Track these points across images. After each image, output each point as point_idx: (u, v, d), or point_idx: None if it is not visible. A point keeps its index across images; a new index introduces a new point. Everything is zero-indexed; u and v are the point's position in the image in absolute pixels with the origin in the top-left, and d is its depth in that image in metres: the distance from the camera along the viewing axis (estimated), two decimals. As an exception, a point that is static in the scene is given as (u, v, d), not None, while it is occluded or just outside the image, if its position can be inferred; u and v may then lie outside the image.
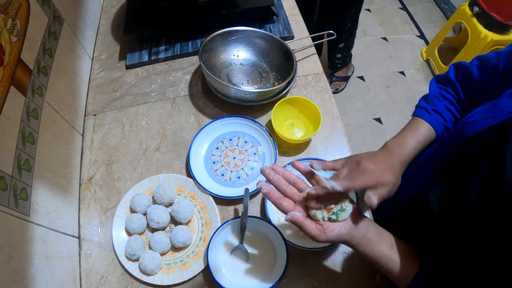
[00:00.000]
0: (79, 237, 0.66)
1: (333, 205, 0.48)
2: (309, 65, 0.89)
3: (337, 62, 1.90)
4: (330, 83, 1.98)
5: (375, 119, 1.95)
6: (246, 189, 0.66)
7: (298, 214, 0.47)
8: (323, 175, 0.52)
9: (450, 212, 0.43)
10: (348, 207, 0.49)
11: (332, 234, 0.47)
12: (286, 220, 0.47)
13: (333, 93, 1.82)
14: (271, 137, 0.74)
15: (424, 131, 0.58)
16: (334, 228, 0.47)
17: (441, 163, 0.50)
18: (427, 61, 2.19)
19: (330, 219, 0.48)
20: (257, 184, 0.50)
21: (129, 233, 0.65)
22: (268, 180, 0.51)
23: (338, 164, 0.53)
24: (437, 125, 0.59)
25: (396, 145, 0.56)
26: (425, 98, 0.64)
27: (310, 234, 0.47)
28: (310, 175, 0.53)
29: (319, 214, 0.48)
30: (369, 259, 0.49)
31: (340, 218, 0.48)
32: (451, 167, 0.47)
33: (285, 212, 0.48)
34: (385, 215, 0.64)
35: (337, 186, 0.46)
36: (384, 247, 0.48)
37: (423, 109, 0.61)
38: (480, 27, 1.75)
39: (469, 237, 0.41)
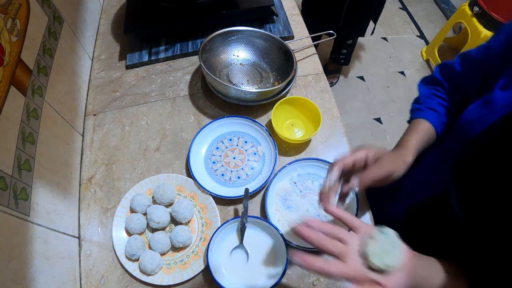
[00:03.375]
0: (79, 237, 0.66)
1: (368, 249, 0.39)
2: (309, 65, 0.89)
3: (341, 57, 1.91)
4: None
5: (375, 119, 1.95)
6: (246, 189, 0.66)
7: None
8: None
9: (474, 212, 0.43)
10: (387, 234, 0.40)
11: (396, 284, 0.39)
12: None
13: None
14: (271, 137, 0.74)
15: (422, 127, 0.60)
16: (394, 278, 0.39)
17: (453, 165, 0.50)
18: (427, 61, 2.19)
19: (384, 267, 0.38)
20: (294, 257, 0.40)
21: (129, 233, 0.65)
22: (308, 241, 0.41)
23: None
24: (434, 120, 0.60)
25: (398, 146, 0.58)
26: (416, 101, 0.66)
27: None
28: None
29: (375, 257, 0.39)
30: None
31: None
32: (465, 169, 0.47)
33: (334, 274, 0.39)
34: (398, 223, 0.61)
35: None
36: (437, 280, 0.43)
37: (417, 110, 0.63)
38: (480, 27, 1.75)
39: (498, 234, 0.40)
